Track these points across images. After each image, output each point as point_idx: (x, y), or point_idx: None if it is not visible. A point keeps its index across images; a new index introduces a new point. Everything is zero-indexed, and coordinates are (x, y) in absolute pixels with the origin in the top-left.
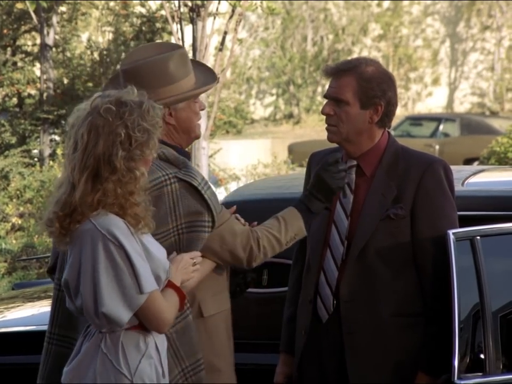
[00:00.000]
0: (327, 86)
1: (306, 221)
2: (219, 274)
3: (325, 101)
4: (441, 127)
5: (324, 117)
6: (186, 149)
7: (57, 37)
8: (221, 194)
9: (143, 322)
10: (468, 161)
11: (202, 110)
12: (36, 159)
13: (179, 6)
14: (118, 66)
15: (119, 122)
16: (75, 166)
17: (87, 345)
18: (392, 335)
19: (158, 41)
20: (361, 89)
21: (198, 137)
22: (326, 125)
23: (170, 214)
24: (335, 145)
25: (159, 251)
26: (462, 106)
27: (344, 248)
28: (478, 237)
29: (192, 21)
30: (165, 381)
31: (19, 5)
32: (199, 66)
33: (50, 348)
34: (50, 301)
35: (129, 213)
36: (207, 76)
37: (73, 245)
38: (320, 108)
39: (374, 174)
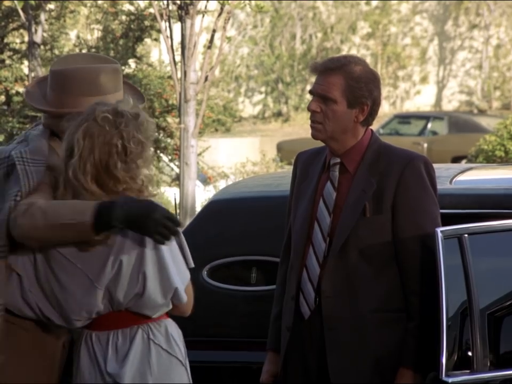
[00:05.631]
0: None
1: (100, 213)
2: None
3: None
4: (429, 125)
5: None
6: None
7: (45, 34)
8: (210, 192)
9: (181, 305)
10: (456, 159)
11: None
12: None
13: (168, 4)
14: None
15: (115, 132)
16: (76, 171)
17: (135, 343)
18: (373, 331)
19: (92, 53)
20: (349, 88)
21: None
22: (311, 122)
23: None
24: (321, 143)
25: None
26: (450, 104)
27: (326, 244)
28: (466, 235)
29: (181, 19)
30: None
31: (7, 3)
32: (131, 88)
33: None
34: None
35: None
36: (138, 98)
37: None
38: None
39: (356, 171)
